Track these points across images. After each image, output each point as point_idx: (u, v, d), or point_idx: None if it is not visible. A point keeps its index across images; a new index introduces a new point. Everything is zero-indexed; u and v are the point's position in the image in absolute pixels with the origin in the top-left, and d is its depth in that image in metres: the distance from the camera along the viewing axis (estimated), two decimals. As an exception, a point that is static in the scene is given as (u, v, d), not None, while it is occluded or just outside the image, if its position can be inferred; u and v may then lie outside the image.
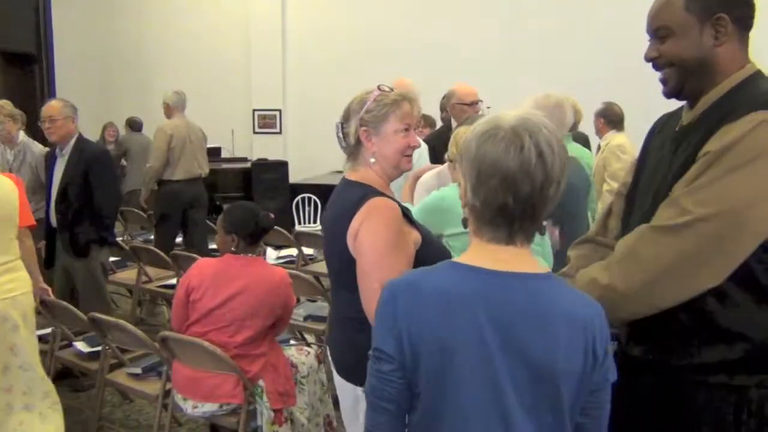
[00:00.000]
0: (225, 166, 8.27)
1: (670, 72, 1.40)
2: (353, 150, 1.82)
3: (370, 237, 1.65)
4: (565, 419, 1.11)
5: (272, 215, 2.80)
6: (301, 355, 2.87)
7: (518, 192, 1.09)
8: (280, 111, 9.19)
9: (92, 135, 4.93)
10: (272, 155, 8.60)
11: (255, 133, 9.26)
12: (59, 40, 8.43)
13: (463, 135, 2.22)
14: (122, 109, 8.66)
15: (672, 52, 1.39)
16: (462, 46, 7.87)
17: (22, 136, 4.47)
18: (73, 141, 3.84)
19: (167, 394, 2.77)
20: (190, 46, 9.26)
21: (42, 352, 3.41)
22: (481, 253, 1.15)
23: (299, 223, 7.17)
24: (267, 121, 9.23)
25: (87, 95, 6.52)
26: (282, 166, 8.04)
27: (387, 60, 8.03)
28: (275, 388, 2.62)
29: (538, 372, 1.09)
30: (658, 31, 1.41)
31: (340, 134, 1.82)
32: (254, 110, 9.20)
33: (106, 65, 9.65)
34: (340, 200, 1.81)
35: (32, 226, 3.02)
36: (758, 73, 1.38)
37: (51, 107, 3.79)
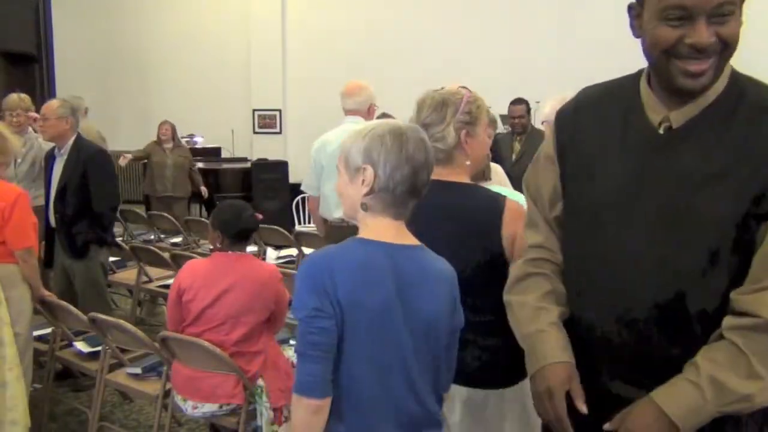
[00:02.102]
0: (225, 166, 8.28)
1: (711, 63, 1.14)
2: (450, 152, 1.76)
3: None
4: (440, 357, 1.44)
5: (260, 215, 2.82)
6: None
7: (420, 178, 1.40)
8: (280, 111, 9.20)
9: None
10: (272, 155, 8.60)
11: (255, 133, 9.27)
12: (59, 40, 8.43)
13: None
14: (122, 109, 8.67)
15: (733, 35, 1.13)
16: (463, 46, 7.87)
17: (30, 130, 4.53)
18: (71, 141, 3.84)
19: (167, 394, 2.77)
20: (190, 47, 9.26)
21: (42, 352, 3.42)
22: (383, 230, 1.41)
23: (299, 223, 7.16)
24: (267, 121, 9.23)
25: (87, 95, 6.52)
26: (282, 166, 8.04)
27: (387, 60, 8.03)
28: (276, 386, 2.62)
29: (429, 323, 1.40)
30: (722, 7, 1.11)
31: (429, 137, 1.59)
32: (254, 110, 9.21)
33: (106, 65, 9.65)
34: (467, 205, 1.74)
35: (30, 247, 3.03)
36: (738, 73, 1.24)
37: (47, 106, 3.84)
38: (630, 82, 1.30)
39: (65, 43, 8.74)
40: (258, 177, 7.92)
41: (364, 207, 1.41)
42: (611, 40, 7.53)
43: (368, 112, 3.68)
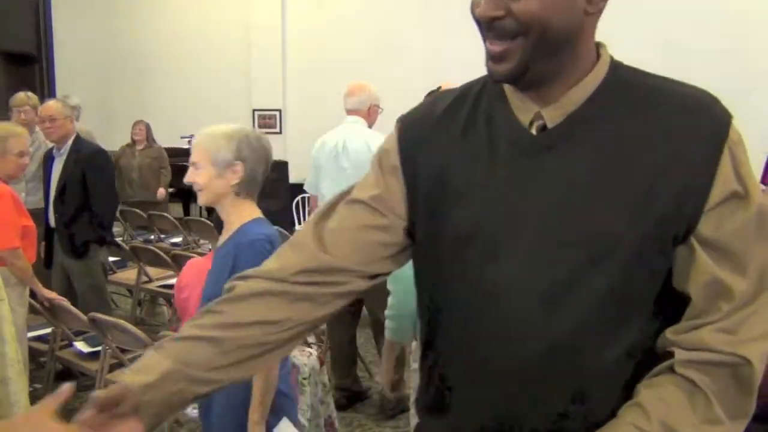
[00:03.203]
0: (225, 166, 8.26)
1: (515, 44, 0.90)
2: None
3: None
4: None
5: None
6: (303, 357, 2.86)
7: (268, 171, 1.95)
8: (280, 111, 9.20)
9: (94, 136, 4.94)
10: (272, 155, 8.60)
11: (255, 133, 9.27)
12: (59, 40, 8.43)
13: None
14: (122, 109, 8.67)
15: (528, 13, 0.88)
16: (463, 46, 7.87)
17: (37, 129, 4.54)
18: (70, 141, 3.85)
19: (167, 394, 2.76)
20: (190, 46, 9.26)
21: (42, 352, 3.42)
22: (253, 211, 1.93)
23: (299, 223, 7.17)
24: (267, 121, 9.23)
25: (87, 95, 6.52)
26: (282, 166, 8.04)
27: (387, 60, 8.03)
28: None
29: None
30: None
31: None
32: (254, 110, 9.20)
33: (106, 65, 9.65)
34: None
35: (14, 248, 3.02)
36: (619, 62, 1.01)
37: (50, 107, 3.81)
38: (488, 82, 1.04)
39: (65, 43, 8.74)
40: (258, 177, 7.92)
41: (234, 195, 1.88)
42: (610, 41, 7.55)
43: (369, 112, 3.67)
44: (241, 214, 1.90)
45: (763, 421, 1.24)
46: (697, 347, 0.91)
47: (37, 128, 4.51)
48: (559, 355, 0.94)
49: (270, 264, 1.07)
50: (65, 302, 3.24)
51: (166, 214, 5.90)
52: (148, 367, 0.95)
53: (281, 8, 9.00)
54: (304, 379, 2.78)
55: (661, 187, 0.90)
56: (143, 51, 9.60)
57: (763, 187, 4.97)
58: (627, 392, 0.96)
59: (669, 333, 0.94)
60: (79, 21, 9.42)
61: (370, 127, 3.66)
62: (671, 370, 0.92)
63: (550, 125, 0.96)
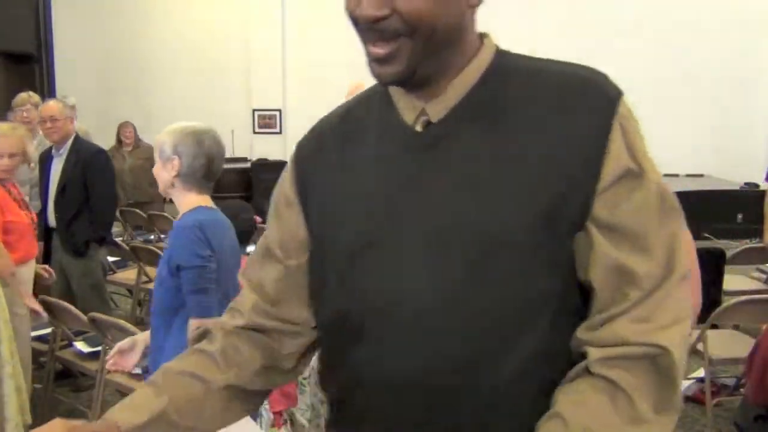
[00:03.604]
0: (225, 166, 8.17)
1: (401, 45, 0.84)
2: None
3: None
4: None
5: (257, 218, 2.83)
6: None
7: (214, 165, 2.12)
8: (280, 111, 9.20)
9: (92, 135, 4.94)
10: (272, 155, 8.60)
11: (255, 133, 9.27)
12: (59, 40, 8.43)
13: None
14: (122, 109, 8.66)
15: (420, 10, 0.82)
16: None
17: (40, 133, 4.53)
18: (70, 141, 3.85)
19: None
20: (190, 46, 9.25)
21: (42, 352, 3.42)
22: (203, 199, 2.13)
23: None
24: (267, 121, 9.23)
25: (87, 95, 6.53)
26: (282, 167, 7.85)
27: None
28: (276, 389, 2.61)
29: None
30: None
31: None
32: (254, 110, 9.21)
33: (106, 65, 9.64)
34: None
35: None
36: (504, 51, 0.96)
37: (51, 108, 3.81)
38: (379, 85, 0.98)
39: (65, 43, 8.74)
40: (258, 177, 7.92)
41: (173, 185, 2.09)
42: (610, 41, 7.55)
43: None
44: (187, 203, 2.11)
45: (766, 419, 1.23)
46: (611, 342, 0.84)
47: (40, 132, 4.51)
48: (457, 369, 0.86)
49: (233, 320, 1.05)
50: (43, 313, 3.20)
51: (165, 213, 5.90)
52: (139, 406, 0.93)
53: (281, 8, 9.00)
54: (304, 379, 2.78)
55: (552, 172, 0.84)
56: (143, 51, 9.59)
57: None
58: (539, 405, 0.86)
59: (580, 332, 0.87)
60: (79, 21, 9.41)
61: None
62: (588, 371, 0.84)
63: (434, 120, 0.91)
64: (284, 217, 1.03)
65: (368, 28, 0.85)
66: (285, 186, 1.05)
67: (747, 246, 4.49)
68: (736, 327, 3.88)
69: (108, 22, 9.61)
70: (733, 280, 4.17)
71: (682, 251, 0.87)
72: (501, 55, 0.94)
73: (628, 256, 0.84)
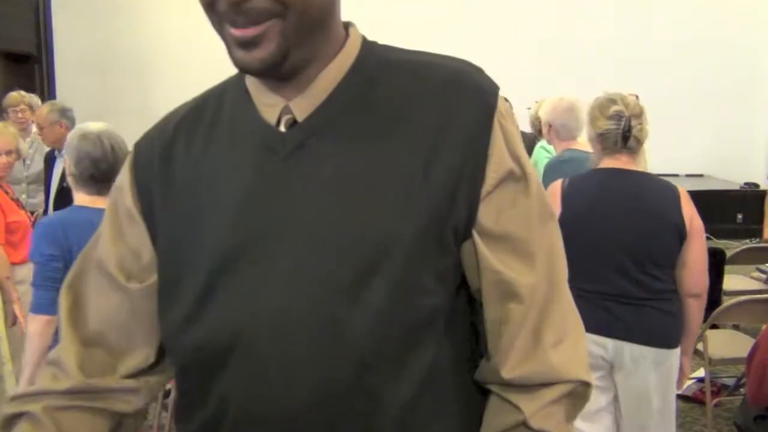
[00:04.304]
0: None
1: (270, 26, 0.73)
2: (639, 144, 2.17)
3: (700, 220, 2.16)
4: None
5: None
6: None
7: (100, 166, 2.09)
8: (280, 111, 9.20)
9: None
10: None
11: (255, 133, 9.27)
12: (59, 40, 8.44)
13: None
14: (122, 109, 8.66)
15: None
16: (465, 47, 7.87)
17: (35, 127, 4.55)
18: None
19: (167, 394, 2.77)
20: (190, 46, 9.25)
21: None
22: (91, 200, 2.11)
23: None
24: (267, 121, 9.23)
25: (87, 95, 6.53)
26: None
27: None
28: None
29: None
30: None
31: (627, 130, 2.15)
32: (254, 110, 9.21)
33: (106, 65, 9.65)
34: (654, 191, 2.17)
35: None
36: (371, 42, 0.88)
37: (38, 114, 4.02)
38: (233, 80, 0.89)
39: (65, 43, 8.74)
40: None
41: (69, 184, 2.17)
42: (610, 40, 7.55)
43: None
44: (77, 202, 2.18)
45: (766, 419, 1.24)
46: (533, 381, 0.80)
47: (33, 128, 4.54)
48: (340, 398, 0.75)
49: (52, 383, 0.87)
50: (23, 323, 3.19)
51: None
52: None
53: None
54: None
55: (434, 174, 0.77)
56: (143, 51, 9.60)
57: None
58: (446, 419, 0.81)
59: (489, 368, 0.82)
60: (79, 21, 9.42)
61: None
62: (525, 425, 0.79)
63: (300, 119, 0.80)
64: (124, 234, 0.87)
65: (233, 10, 0.73)
66: (123, 196, 0.88)
67: (747, 246, 4.48)
68: (736, 327, 3.88)
69: (108, 22, 9.61)
70: (733, 280, 4.17)
71: (562, 257, 0.84)
72: (369, 47, 0.85)
73: (513, 267, 0.79)
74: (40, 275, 2.04)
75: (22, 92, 4.63)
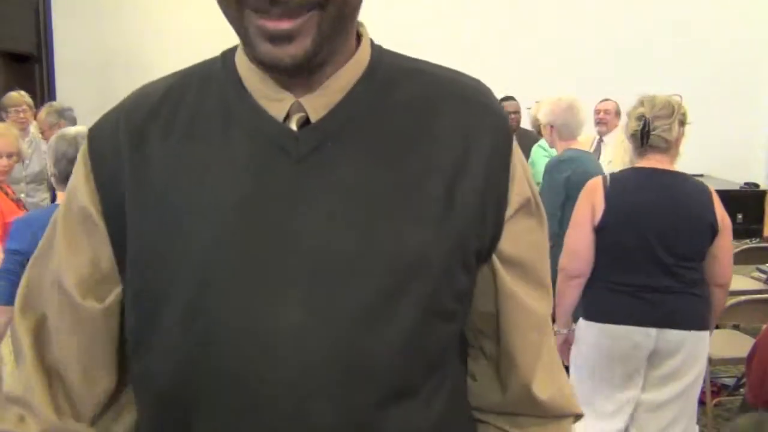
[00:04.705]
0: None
1: (307, 21, 0.66)
2: (670, 144, 2.32)
3: (728, 217, 2.36)
4: None
5: None
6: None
7: (61, 169, 2.18)
8: (280, 111, 9.20)
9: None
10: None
11: (255, 133, 9.27)
12: (59, 40, 8.43)
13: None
14: (122, 109, 8.65)
15: None
16: (466, 47, 7.87)
17: (33, 127, 4.57)
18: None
19: None
20: (191, 47, 9.25)
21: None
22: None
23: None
24: (267, 121, 9.23)
25: (87, 95, 6.52)
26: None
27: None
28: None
29: None
30: None
31: (647, 131, 2.31)
32: (254, 110, 9.21)
33: (106, 65, 9.65)
34: (689, 191, 2.34)
35: None
36: (378, 45, 0.82)
37: (38, 119, 4.20)
38: (216, 65, 0.82)
39: (65, 43, 8.74)
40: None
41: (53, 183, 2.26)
42: (611, 40, 7.55)
43: None
44: (58, 200, 2.30)
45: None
46: (539, 413, 0.81)
47: (32, 128, 4.55)
48: None
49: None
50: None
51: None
52: None
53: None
54: None
55: (459, 192, 0.72)
56: (144, 51, 9.60)
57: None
58: None
59: (518, 388, 0.81)
60: (79, 21, 9.42)
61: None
62: None
63: (314, 118, 0.72)
64: (79, 242, 0.75)
65: (271, 2, 0.64)
66: (77, 196, 0.75)
67: (747, 246, 4.48)
68: (736, 327, 3.88)
69: (108, 22, 9.61)
70: (733, 280, 4.16)
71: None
72: (379, 51, 0.80)
73: (531, 295, 0.79)
74: (5, 268, 2.14)
75: (22, 92, 4.64)
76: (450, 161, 0.73)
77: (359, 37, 0.78)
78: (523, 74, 7.08)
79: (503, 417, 0.82)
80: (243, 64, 0.76)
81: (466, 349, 0.82)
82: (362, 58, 0.76)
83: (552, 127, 3.25)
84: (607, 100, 4.93)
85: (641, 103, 2.41)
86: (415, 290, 0.68)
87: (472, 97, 0.78)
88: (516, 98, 5.38)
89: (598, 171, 2.97)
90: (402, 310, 0.68)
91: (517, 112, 5.23)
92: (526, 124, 5.44)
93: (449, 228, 0.71)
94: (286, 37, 0.65)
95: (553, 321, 2.64)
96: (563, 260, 2.41)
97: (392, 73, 0.78)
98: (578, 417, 0.85)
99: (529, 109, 5.31)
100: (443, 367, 0.74)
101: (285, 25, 0.65)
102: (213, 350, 0.67)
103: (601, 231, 2.29)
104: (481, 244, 0.74)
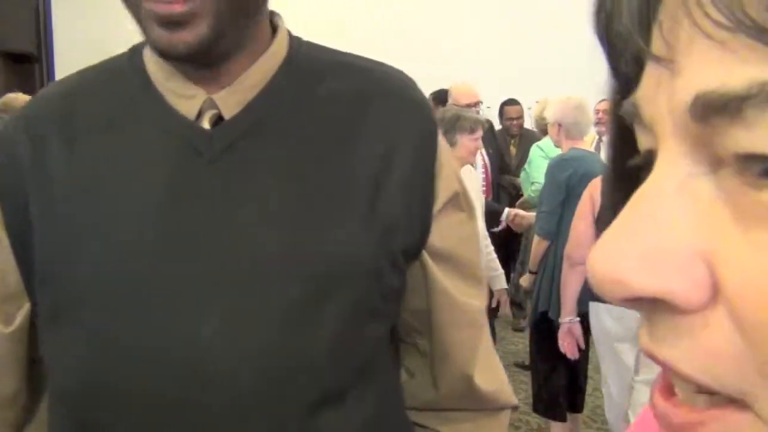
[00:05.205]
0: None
1: (199, 4, 0.61)
2: None
3: None
4: None
5: None
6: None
7: None
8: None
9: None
10: None
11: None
12: (59, 40, 8.43)
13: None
14: (122, 109, 8.66)
15: None
16: (466, 47, 7.88)
17: None
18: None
19: None
20: (190, 46, 9.28)
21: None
22: None
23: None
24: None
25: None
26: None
27: (387, 58, 8.02)
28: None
29: None
30: None
31: None
32: (254, 110, 9.21)
33: (106, 65, 9.66)
34: None
35: None
36: (297, 37, 0.79)
37: None
38: (124, 62, 0.76)
39: (65, 43, 8.74)
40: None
41: None
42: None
43: None
44: None
45: None
46: (475, 406, 0.80)
47: None
48: None
49: None
50: None
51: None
52: None
53: (281, 8, 9.02)
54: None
55: (385, 187, 0.69)
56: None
57: None
58: None
59: (458, 384, 0.79)
60: (79, 21, 9.42)
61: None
62: None
63: (227, 115, 0.68)
64: None
65: None
66: None
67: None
68: (736, 327, 3.89)
69: (108, 22, 9.60)
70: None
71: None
72: (298, 42, 0.77)
73: (463, 290, 0.77)
74: None
75: (20, 94, 4.63)
76: (375, 157, 0.70)
77: (275, 29, 0.75)
78: (523, 74, 7.09)
79: (434, 415, 0.81)
80: (150, 59, 0.71)
81: (398, 348, 0.80)
82: (278, 50, 0.73)
83: (560, 125, 3.25)
84: (606, 100, 4.92)
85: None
86: (341, 292, 0.66)
87: (398, 90, 0.76)
88: (518, 99, 5.40)
89: (602, 171, 2.98)
90: (328, 312, 0.65)
91: (521, 117, 5.25)
92: (526, 124, 5.44)
93: (375, 226, 0.68)
94: (178, 22, 0.61)
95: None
96: (568, 248, 2.62)
97: (314, 66, 0.74)
98: (515, 408, 0.84)
99: (530, 109, 5.31)
100: (373, 368, 0.72)
101: (177, 8, 0.60)
102: (123, 371, 0.64)
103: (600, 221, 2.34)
104: (409, 240, 0.71)
